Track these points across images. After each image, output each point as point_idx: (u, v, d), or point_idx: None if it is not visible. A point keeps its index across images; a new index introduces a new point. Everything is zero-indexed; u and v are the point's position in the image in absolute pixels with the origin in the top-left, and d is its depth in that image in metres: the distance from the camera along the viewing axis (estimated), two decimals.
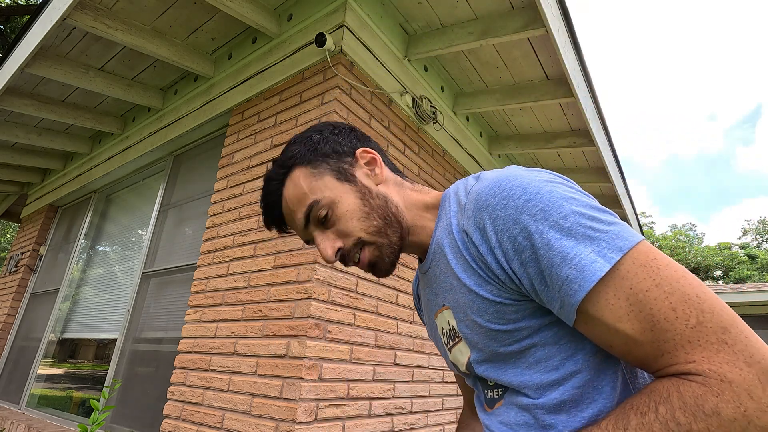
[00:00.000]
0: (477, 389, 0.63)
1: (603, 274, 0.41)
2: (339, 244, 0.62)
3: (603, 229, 0.44)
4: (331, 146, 0.66)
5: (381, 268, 0.63)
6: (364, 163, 0.66)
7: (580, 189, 0.50)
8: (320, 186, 0.62)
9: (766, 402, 0.34)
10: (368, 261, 0.62)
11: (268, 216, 0.68)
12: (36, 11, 2.30)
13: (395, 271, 2.15)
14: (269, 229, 0.70)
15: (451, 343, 0.63)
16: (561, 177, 0.52)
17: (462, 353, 0.60)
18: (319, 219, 0.62)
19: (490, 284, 0.51)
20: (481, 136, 3.28)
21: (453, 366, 0.67)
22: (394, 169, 0.71)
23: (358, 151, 0.66)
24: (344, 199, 0.62)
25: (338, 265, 1.81)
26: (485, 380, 0.60)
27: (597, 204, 0.48)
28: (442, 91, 2.80)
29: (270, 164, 0.71)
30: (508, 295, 0.50)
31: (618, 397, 0.47)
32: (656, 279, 0.40)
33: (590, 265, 0.42)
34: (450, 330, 0.62)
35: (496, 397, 0.58)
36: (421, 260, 0.69)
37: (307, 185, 0.63)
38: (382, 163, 0.68)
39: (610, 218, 0.45)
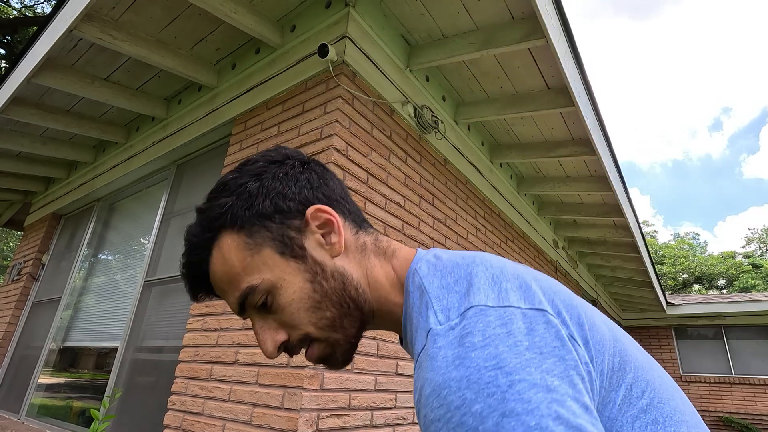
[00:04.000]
0: None
1: None
2: (282, 337, 0.50)
3: None
4: (272, 203, 0.50)
5: (333, 364, 0.52)
6: (317, 226, 0.51)
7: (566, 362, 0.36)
8: (257, 264, 0.48)
9: None
10: (317, 357, 0.51)
11: (194, 289, 0.53)
12: (43, 23, 2.34)
13: None
14: (196, 300, 0.54)
15: None
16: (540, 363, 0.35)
17: None
18: (257, 305, 0.49)
19: None
20: (482, 145, 3.29)
21: None
22: (356, 217, 0.56)
23: (309, 212, 0.50)
24: (289, 282, 0.48)
25: None
26: None
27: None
28: (444, 100, 2.82)
29: (195, 215, 0.54)
30: None
31: None
32: None
33: None
34: None
35: None
36: (401, 338, 0.54)
37: (240, 262, 0.48)
38: (341, 225, 0.52)
39: None
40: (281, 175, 0.52)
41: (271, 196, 0.50)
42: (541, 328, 0.38)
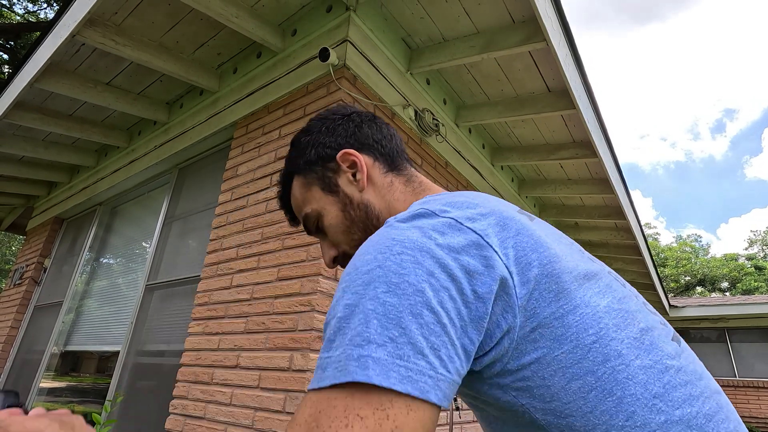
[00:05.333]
0: None
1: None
2: (333, 252, 0.64)
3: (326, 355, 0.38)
4: (316, 152, 0.64)
5: None
6: (347, 166, 0.63)
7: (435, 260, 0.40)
8: (309, 198, 0.64)
9: None
10: None
11: (287, 216, 0.72)
12: (46, 28, 2.36)
13: None
14: (292, 224, 0.73)
15: None
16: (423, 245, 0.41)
17: None
18: (315, 228, 0.65)
19: None
20: (483, 147, 3.30)
21: None
22: (388, 159, 0.65)
23: (339, 155, 0.63)
24: (328, 211, 0.63)
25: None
26: None
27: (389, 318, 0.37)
28: (445, 103, 2.82)
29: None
30: None
31: None
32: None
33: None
34: None
35: None
36: None
37: (301, 196, 0.66)
38: (365, 165, 0.63)
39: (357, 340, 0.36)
40: (324, 128, 0.66)
41: (316, 146, 0.65)
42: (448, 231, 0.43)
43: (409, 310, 0.37)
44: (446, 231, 0.43)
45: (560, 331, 0.42)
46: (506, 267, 0.42)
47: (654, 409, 0.40)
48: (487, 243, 0.42)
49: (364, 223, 0.61)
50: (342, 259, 0.64)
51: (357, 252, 0.44)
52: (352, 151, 0.63)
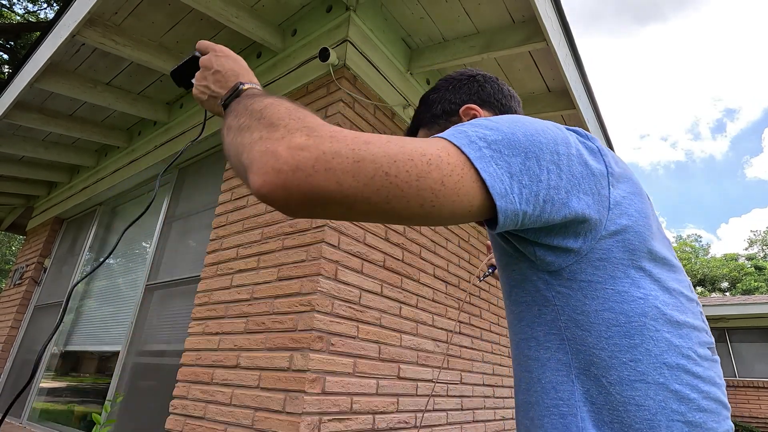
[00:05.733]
0: None
1: None
2: None
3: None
4: (441, 107, 0.75)
5: None
6: (468, 119, 0.70)
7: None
8: None
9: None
10: None
11: None
12: (46, 28, 2.36)
13: (399, 283, 2.14)
14: None
15: None
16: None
17: None
18: None
19: None
20: None
21: None
22: (501, 111, 0.74)
23: (461, 109, 0.72)
24: None
25: (341, 276, 1.81)
26: None
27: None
28: None
29: None
30: None
31: None
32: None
33: None
34: None
35: None
36: None
37: None
38: (483, 116, 0.71)
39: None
40: (450, 87, 0.76)
41: (442, 102, 0.75)
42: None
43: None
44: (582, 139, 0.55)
45: (623, 263, 0.51)
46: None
47: (658, 371, 0.48)
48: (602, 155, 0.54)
49: None
50: None
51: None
52: (473, 105, 0.72)
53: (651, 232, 0.53)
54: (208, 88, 0.61)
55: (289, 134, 0.40)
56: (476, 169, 0.43)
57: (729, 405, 0.55)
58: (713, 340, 0.57)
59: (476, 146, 0.44)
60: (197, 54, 0.67)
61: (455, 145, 0.44)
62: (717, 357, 0.56)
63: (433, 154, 0.42)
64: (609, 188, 0.51)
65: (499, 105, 0.74)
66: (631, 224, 0.51)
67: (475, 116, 0.70)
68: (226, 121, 0.51)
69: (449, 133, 0.46)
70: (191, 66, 0.68)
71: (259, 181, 0.39)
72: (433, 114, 0.75)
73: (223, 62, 0.61)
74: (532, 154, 0.46)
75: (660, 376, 0.47)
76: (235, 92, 0.55)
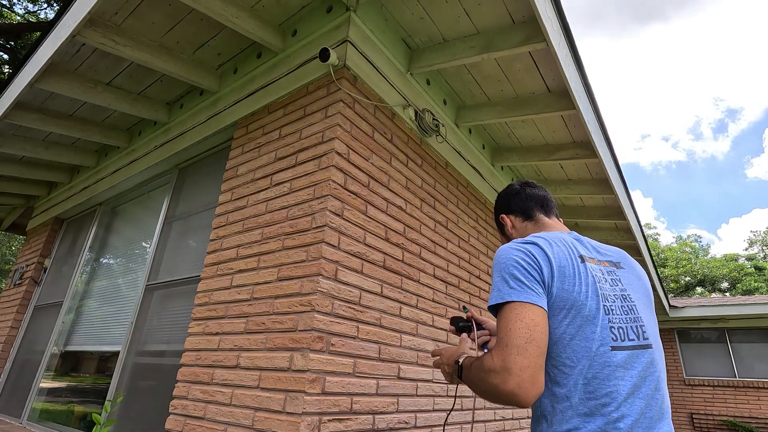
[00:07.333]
0: None
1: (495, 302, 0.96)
2: None
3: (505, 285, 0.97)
4: (498, 211, 1.31)
5: None
6: (504, 222, 1.28)
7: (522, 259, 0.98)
8: (502, 234, 1.33)
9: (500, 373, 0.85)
10: None
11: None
12: (47, 28, 2.36)
13: (399, 283, 2.15)
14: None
15: None
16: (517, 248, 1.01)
17: None
18: None
19: None
20: (483, 148, 3.30)
21: None
22: (525, 214, 1.23)
23: (501, 216, 1.29)
24: (503, 242, 1.23)
25: (341, 276, 1.81)
26: None
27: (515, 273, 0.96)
28: (445, 104, 2.82)
29: None
30: None
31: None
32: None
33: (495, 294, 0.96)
34: None
35: None
36: None
37: (499, 234, 1.35)
38: (510, 221, 1.26)
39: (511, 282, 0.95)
40: (503, 196, 1.31)
41: (500, 207, 1.31)
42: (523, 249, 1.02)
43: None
44: (522, 243, 1.02)
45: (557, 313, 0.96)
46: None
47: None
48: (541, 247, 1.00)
49: None
50: None
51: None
52: (504, 215, 1.28)
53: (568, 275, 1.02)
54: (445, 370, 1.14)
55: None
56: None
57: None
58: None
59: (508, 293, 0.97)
60: (470, 322, 1.27)
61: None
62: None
63: None
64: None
65: (519, 211, 1.24)
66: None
67: (504, 222, 1.27)
68: (465, 382, 1.02)
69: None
70: (467, 322, 1.27)
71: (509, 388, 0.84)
72: (496, 215, 1.32)
73: (443, 352, 1.16)
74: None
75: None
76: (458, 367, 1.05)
